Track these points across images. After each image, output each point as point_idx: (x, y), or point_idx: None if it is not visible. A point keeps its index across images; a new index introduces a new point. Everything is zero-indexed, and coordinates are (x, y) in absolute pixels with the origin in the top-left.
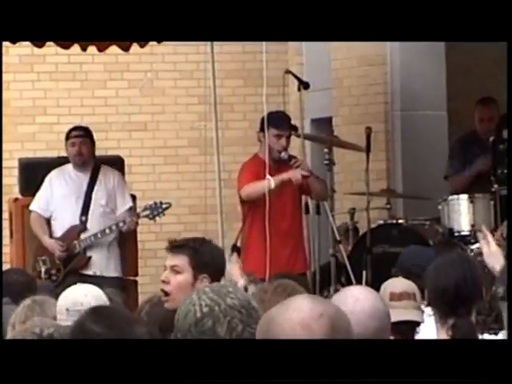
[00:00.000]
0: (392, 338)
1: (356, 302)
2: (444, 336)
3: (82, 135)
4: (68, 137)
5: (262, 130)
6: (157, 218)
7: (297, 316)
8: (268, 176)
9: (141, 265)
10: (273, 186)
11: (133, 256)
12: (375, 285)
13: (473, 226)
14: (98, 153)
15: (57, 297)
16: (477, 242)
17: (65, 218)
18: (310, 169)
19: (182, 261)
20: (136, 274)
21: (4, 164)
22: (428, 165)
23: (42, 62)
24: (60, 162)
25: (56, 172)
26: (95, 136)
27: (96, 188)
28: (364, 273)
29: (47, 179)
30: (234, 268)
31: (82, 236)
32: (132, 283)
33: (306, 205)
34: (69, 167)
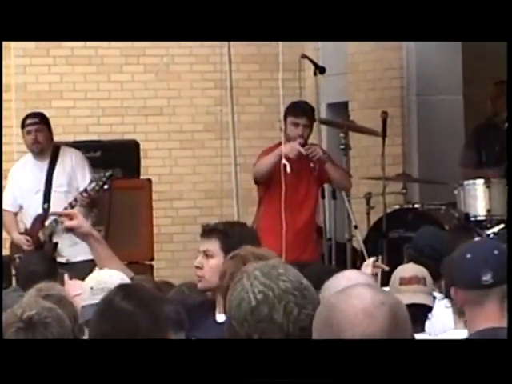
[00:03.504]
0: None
1: (348, 282)
2: (462, 327)
3: (36, 123)
4: (23, 125)
5: (284, 118)
6: (105, 187)
7: (359, 303)
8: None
9: (156, 249)
10: (272, 160)
11: (148, 240)
12: (391, 269)
13: (489, 211)
14: (113, 137)
15: None
16: (493, 226)
17: (31, 210)
18: (328, 156)
19: (213, 245)
20: (152, 259)
21: (20, 148)
22: (444, 149)
23: (57, 47)
24: (76, 146)
25: (17, 165)
26: (111, 120)
27: (55, 173)
28: (380, 257)
29: (10, 174)
30: None
31: (46, 223)
32: (148, 268)
33: (322, 189)
34: (29, 157)
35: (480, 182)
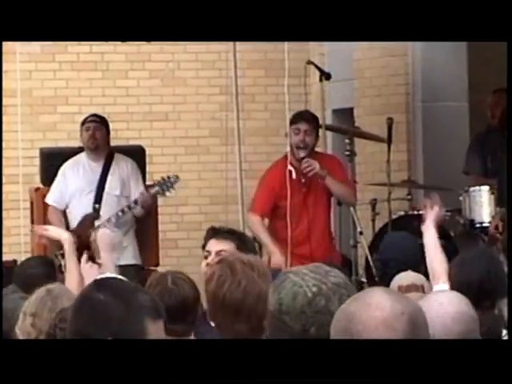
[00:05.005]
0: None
1: (440, 306)
2: None
3: (96, 121)
4: (84, 122)
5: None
6: (167, 193)
7: (379, 314)
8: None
9: (162, 255)
10: (261, 237)
11: (154, 246)
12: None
13: (494, 217)
14: (119, 143)
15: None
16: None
17: (80, 209)
18: (327, 172)
19: (229, 246)
20: (157, 264)
21: (25, 153)
22: (449, 156)
23: (63, 52)
24: (82, 151)
25: (70, 163)
26: (116, 126)
27: (109, 177)
28: None
29: (61, 170)
30: None
31: (96, 223)
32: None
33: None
34: (83, 157)
35: (485, 188)
